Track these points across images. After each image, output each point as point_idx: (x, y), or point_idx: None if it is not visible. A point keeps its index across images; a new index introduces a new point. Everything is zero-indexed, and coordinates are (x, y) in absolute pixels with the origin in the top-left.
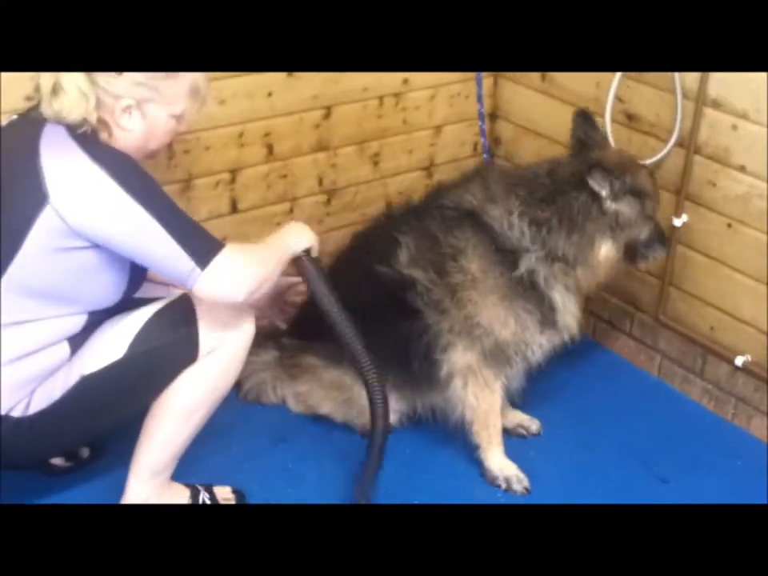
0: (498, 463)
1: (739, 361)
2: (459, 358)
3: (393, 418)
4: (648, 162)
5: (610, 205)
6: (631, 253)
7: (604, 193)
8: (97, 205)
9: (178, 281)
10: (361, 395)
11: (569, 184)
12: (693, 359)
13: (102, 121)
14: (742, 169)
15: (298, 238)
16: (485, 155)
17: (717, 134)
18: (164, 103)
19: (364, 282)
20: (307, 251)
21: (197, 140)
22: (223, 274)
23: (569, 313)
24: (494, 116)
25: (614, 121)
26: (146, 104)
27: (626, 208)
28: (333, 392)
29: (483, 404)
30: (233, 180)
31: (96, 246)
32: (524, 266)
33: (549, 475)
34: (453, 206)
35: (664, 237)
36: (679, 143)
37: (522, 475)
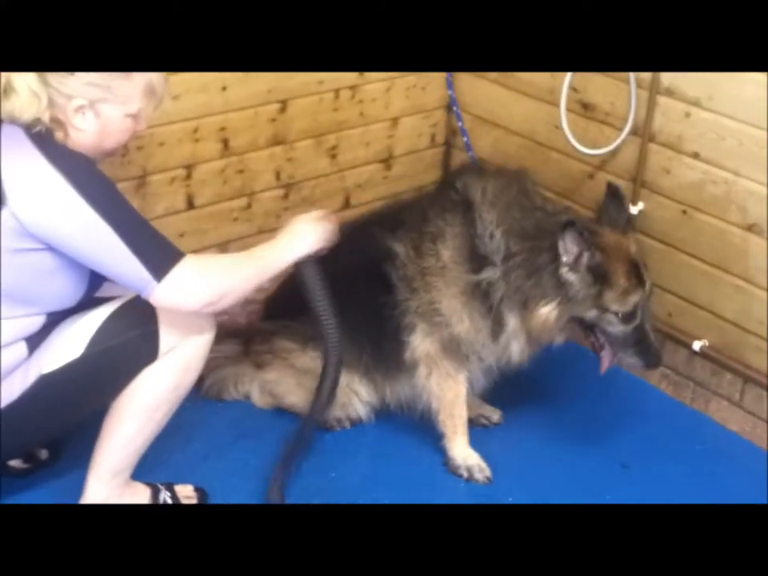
0: (462, 452)
1: (697, 346)
2: (420, 343)
3: (363, 411)
4: (604, 150)
5: (565, 271)
6: (589, 333)
7: (564, 258)
8: (53, 210)
9: (133, 290)
10: None
11: (547, 232)
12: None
13: (56, 120)
14: (696, 156)
15: (301, 242)
16: (470, 153)
17: (670, 122)
18: (118, 103)
19: (361, 247)
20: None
21: (150, 136)
22: (180, 286)
23: (515, 340)
24: (450, 107)
25: (569, 110)
26: (99, 104)
27: (577, 283)
28: (305, 378)
29: (448, 394)
30: (188, 176)
31: (53, 248)
32: (485, 275)
33: (509, 462)
34: (460, 190)
35: (651, 356)
36: (634, 132)
37: (483, 465)
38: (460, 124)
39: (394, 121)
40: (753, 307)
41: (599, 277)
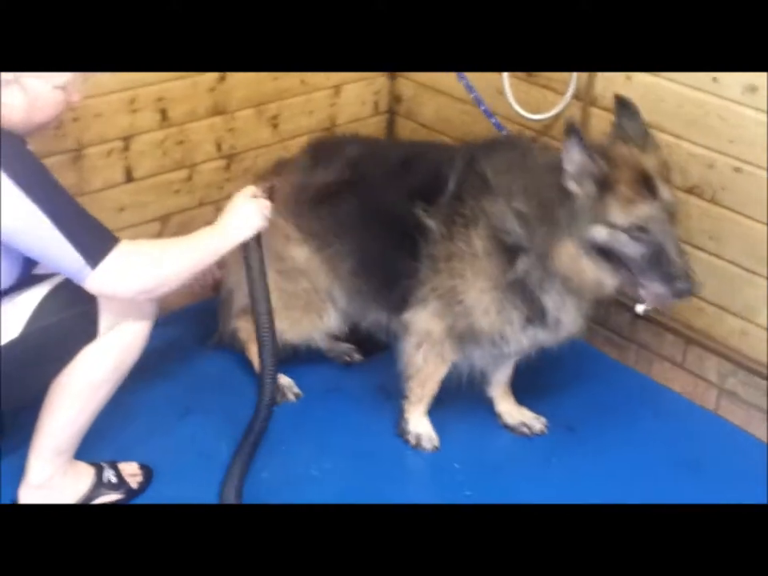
0: (416, 419)
1: (639, 308)
2: (424, 320)
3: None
4: (547, 115)
5: (569, 182)
6: (620, 274)
7: (568, 167)
8: None
9: (68, 276)
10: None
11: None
12: (595, 309)
13: None
14: None
15: (244, 224)
16: (496, 126)
17: (612, 86)
18: (43, 75)
19: (392, 202)
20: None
21: (86, 107)
22: (114, 273)
23: (564, 313)
24: (393, 75)
25: (512, 76)
26: (24, 77)
27: (581, 194)
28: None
29: (429, 367)
30: (126, 148)
31: None
32: (521, 265)
33: (456, 427)
34: (486, 174)
35: (676, 281)
36: (576, 96)
37: (434, 435)
38: (482, 108)
39: (336, 89)
40: (694, 268)
41: (602, 186)
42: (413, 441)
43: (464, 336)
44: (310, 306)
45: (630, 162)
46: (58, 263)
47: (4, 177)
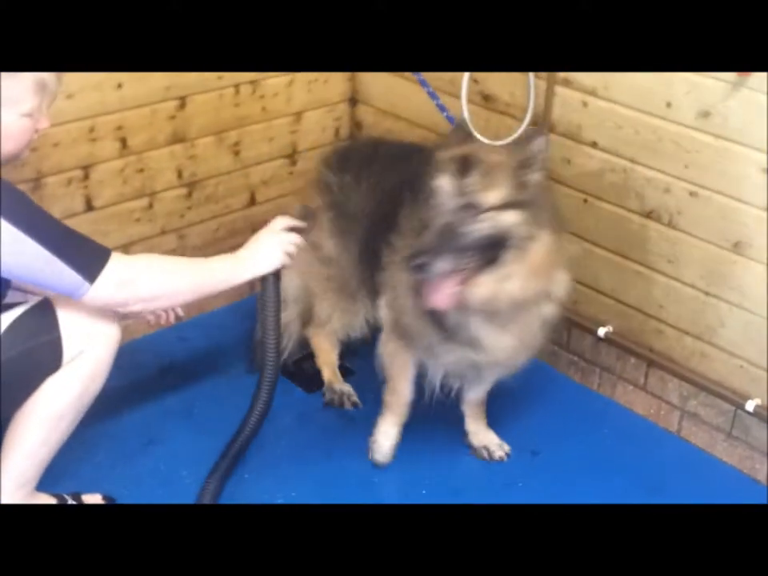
0: (383, 429)
1: (602, 332)
2: (382, 306)
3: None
4: (505, 141)
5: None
6: None
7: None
8: None
9: (65, 294)
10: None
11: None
12: (558, 333)
13: None
14: (594, 145)
15: (264, 260)
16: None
17: (569, 112)
18: (9, 104)
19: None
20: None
21: (44, 136)
22: (112, 285)
23: (485, 333)
24: (353, 101)
25: (470, 102)
26: None
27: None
28: None
29: (394, 367)
30: (86, 177)
31: None
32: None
33: (421, 451)
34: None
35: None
36: (534, 122)
37: (388, 451)
38: (445, 114)
39: (297, 115)
40: (653, 292)
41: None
42: (372, 447)
43: (402, 333)
44: (343, 288)
45: (458, 149)
46: (55, 284)
47: None
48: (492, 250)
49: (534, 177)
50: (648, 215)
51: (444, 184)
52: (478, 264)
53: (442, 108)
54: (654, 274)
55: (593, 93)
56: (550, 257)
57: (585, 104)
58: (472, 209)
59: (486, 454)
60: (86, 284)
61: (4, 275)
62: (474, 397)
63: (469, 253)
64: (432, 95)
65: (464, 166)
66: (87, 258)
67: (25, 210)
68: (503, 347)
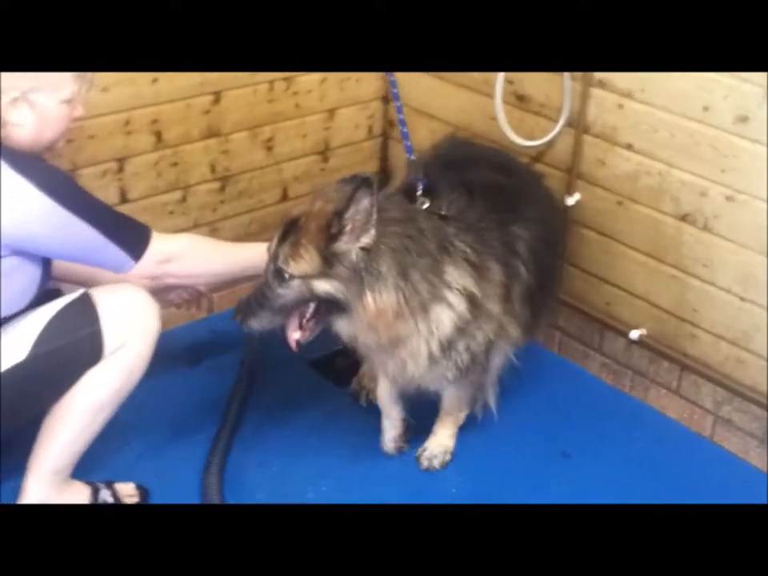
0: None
1: (634, 335)
2: None
3: None
4: (539, 142)
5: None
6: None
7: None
8: (25, 217)
9: (109, 270)
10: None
11: None
12: (591, 335)
13: None
14: (630, 147)
15: None
16: (409, 155)
17: (604, 114)
18: (50, 90)
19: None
20: None
21: (80, 128)
22: (155, 261)
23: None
24: (387, 99)
25: (505, 102)
26: (31, 94)
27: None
28: None
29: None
30: (121, 169)
31: (18, 252)
32: None
33: (453, 454)
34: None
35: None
36: (569, 123)
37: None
38: (401, 117)
39: (330, 112)
40: (687, 296)
41: None
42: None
43: None
44: None
45: (304, 207)
46: (102, 262)
47: (40, 194)
48: (327, 304)
49: (350, 246)
50: (683, 219)
51: (271, 245)
52: (326, 311)
53: (405, 136)
54: (689, 278)
55: (629, 95)
56: (389, 314)
57: (620, 106)
58: (280, 275)
59: (423, 460)
60: (132, 261)
61: (51, 256)
62: (444, 403)
63: (289, 309)
64: (398, 109)
65: (284, 231)
66: (133, 237)
67: (73, 193)
68: (392, 369)
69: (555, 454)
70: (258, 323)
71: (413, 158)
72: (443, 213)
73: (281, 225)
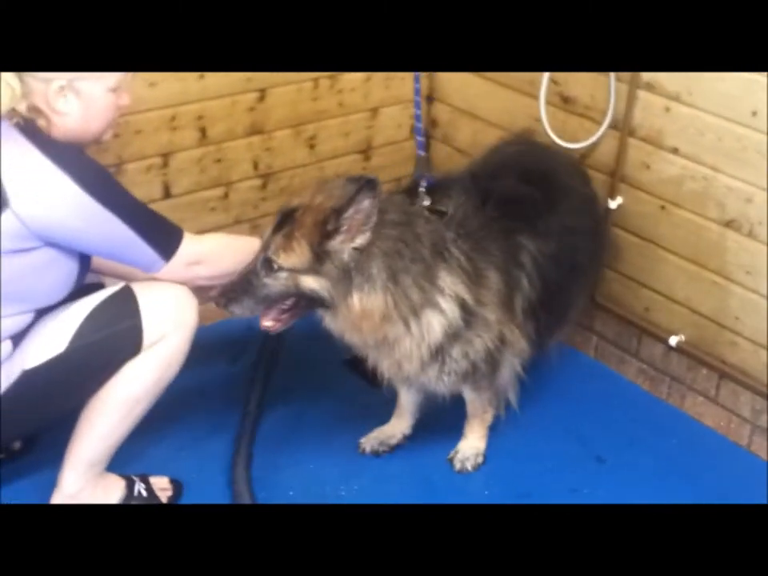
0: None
1: (673, 341)
2: None
3: None
4: (583, 144)
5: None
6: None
7: None
8: (57, 207)
9: (139, 268)
10: None
11: None
12: (628, 340)
13: (35, 109)
14: (675, 151)
15: None
16: (419, 152)
17: (650, 117)
18: (95, 78)
19: None
20: None
21: (126, 123)
22: (185, 263)
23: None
24: (430, 98)
25: (549, 103)
26: (77, 82)
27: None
28: None
29: None
30: (165, 164)
31: (51, 244)
32: None
33: (486, 456)
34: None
35: None
36: (613, 125)
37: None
38: (417, 112)
39: (374, 111)
40: (729, 303)
41: None
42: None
43: None
44: None
45: (302, 199)
46: (133, 259)
47: (74, 186)
48: (309, 300)
49: (344, 246)
50: (727, 224)
51: (264, 233)
52: (306, 306)
53: (418, 131)
54: (731, 285)
55: (676, 98)
56: (375, 316)
57: (667, 109)
58: (269, 265)
59: (453, 458)
60: (162, 261)
61: (81, 250)
62: (467, 405)
63: (272, 300)
64: (417, 104)
65: (279, 221)
66: (164, 237)
67: (109, 188)
68: (387, 367)
69: (590, 459)
70: (240, 309)
71: (423, 154)
72: (443, 209)
73: (277, 213)
